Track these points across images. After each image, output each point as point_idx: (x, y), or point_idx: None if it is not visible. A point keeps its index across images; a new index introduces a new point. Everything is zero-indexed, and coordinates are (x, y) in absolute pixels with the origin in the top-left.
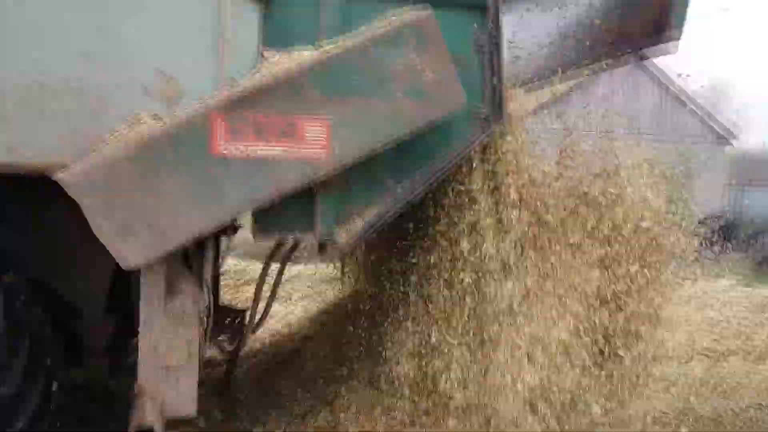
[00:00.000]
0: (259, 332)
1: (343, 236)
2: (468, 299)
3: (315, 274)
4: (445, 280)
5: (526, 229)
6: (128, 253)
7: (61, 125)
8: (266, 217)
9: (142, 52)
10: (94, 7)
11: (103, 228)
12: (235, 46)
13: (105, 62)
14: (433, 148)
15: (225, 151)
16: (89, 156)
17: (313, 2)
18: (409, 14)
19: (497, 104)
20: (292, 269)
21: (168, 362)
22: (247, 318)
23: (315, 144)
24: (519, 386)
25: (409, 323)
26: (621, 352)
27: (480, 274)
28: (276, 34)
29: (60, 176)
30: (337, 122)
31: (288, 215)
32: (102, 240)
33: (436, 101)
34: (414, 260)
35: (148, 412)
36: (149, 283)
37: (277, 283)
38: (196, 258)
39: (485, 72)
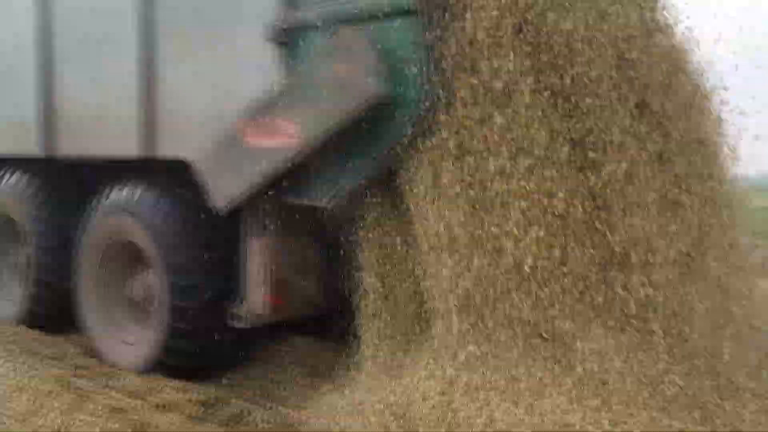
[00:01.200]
0: None
1: (327, 201)
2: None
3: None
4: None
5: None
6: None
7: None
8: (292, 188)
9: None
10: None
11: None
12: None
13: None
14: (388, 133)
15: (248, 145)
16: None
17: None
18: (334, 35)
19: (427, 91)
20: None
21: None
22: None
23: (289, 136)
24: None
25: None
26: None
27: None
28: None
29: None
30: (299, 120)
31: (301, 187)
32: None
33: (354, 95)
34: None
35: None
36: (247, 230)
37: None
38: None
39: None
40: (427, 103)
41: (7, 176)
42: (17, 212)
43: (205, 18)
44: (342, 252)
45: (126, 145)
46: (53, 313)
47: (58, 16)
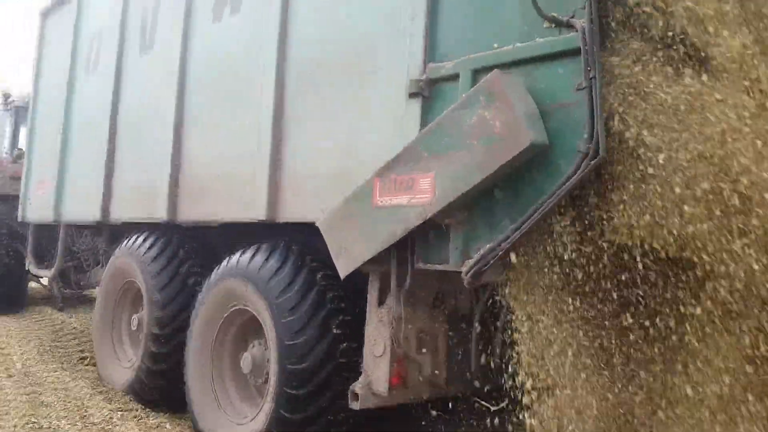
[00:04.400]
0: None
1: (465, 268)
2: None
3: None
4: None
5: None
6: (339, 269)
7: None
8: (423, 252)
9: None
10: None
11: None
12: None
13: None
14: (541, 187)
15: (379, 203)
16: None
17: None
18: (482, 80)
19: (594, 140)
20: None
21: (375, 352)
22: None
23: (425, 192)
24: None
25: None
26: None
27: None
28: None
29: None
30: (438, 174)
31: (431, 250)
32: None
33: (505, 145)
34: None
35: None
36: (369, 297)
37: None
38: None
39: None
40: (588, 155)
41: (133, 240)
42: (138, 276)
43: (338, 75)
44: (475, 328)
45: (249, 209)
46: (164, 386)
47: (192, 83)
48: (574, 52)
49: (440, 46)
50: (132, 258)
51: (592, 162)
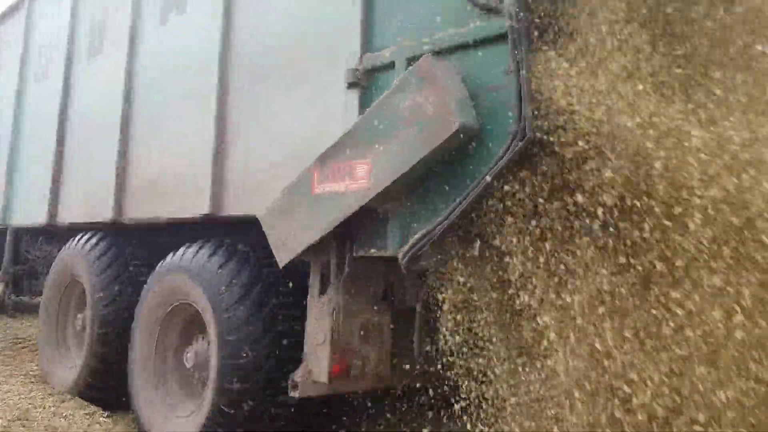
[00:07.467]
0: None
1: (401, 253)
2: None
3: None
4: None
5: None
6: (278, 259)
7: None
8: (363, 239)
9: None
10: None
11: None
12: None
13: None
14: (475, 170)
15: (318, 191)
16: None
17: None
18: (413, 65)
19: (521, 122)
20: None
21: (316, 341)
22: None
23: (362, 179)
24: None
25: None
26: None
27: None
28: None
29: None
30: (374, 160)
31: (370, 237)
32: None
33: (436, 129)
34: None
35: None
36: (310, 287)
37: None
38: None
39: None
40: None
41: (80, 240)
42: (83, 274)
43: (278, 69)
44: (417, 316)
45: (192, 206)
46: (108, 386)
47: (138, 86)
48: (504, 37)
49: (376, 36)
50: (77, 257)
51: (520, 143)
